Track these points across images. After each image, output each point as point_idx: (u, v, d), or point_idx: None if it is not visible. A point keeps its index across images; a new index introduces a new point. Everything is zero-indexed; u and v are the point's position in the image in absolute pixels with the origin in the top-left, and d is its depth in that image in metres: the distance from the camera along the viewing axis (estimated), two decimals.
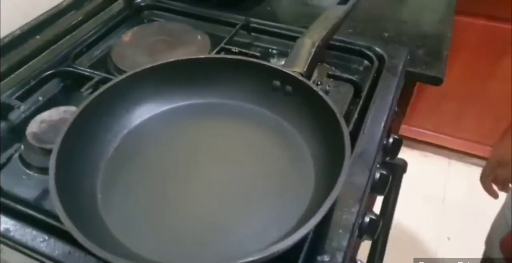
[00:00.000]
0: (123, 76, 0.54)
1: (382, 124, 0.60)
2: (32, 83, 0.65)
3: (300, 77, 0.55)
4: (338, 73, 0.67)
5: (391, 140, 0.67)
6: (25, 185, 0.55)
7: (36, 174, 0.56)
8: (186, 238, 0.46)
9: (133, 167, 0.52)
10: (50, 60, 0.69)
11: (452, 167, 1.57)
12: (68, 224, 0.39)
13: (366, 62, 0.72)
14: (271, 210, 0.48)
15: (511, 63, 1.24)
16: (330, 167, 0.50)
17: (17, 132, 0.61)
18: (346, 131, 0.47)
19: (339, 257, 0.47)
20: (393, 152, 0.69)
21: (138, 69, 0.55)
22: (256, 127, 0.57)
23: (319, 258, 0.47)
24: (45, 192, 0.54)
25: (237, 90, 0.58)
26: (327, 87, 0.67)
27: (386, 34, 0.81)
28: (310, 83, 0.54)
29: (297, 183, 0.50)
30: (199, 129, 0.57)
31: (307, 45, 0.59)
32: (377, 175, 0.62)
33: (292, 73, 0.55)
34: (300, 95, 0.55)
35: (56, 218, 0.47)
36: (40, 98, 0.66)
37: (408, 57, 0.73)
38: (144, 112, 0.57)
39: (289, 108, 0.56)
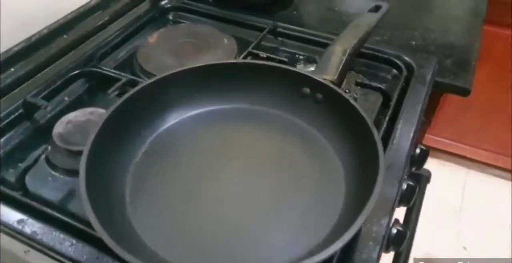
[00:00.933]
0: (152, 80, 0.54)
1: (411, 135, 0.59)
2: (58, 83, 0.65)
3: (332, 85, 0.54)
4: (367, 81, 0.66)
5: (418, 150, 0.66)
6: (51, 187, 0.55)
7: (61, 176, 0.56)
8: (214, 245, 0.46)
9: (161, 172, 0.52)
10: (76, 60, 0.69)
11: (470, 177, 1.54)
12: (99, 230, 0.39)
13: (394, 70, 0.71)
14: (300, 221, 0.48)
15: None
16: (361, 178, 0.49)
17: (43, 132, 0.61)
18: (379, 143, 0.46)
19: None
20: (420, 162, 0.68)
21: (166, 73, 0.54)
22: (284, 133, 0.57)
23: None
24: (70, 194, 0.54)
25: (265, 96, 0.58)
26: (355, 95, 0.66)
27: (413, 43, 0.80)
28: (342, 91, 0.53)
29: (327, 193, 0.50)
30: (226, 134, 0.57)
31: (338, 52, 0.58)
32: (404, 186, 0.61)
33: (323, 81, 0.54)
34: (331, 103, 0.54)
35: (83, 222, 0.48)
36: (66, 98, 0.66)
37: (437, 67, 0.71)
38: (172, 117, 0.56)
39: (318, 116, 0.56)
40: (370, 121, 0.49)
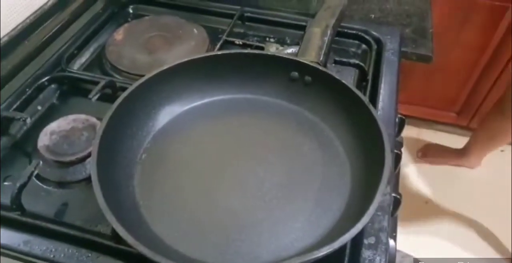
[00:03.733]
0: (141, 81, 0.52)
1: (394, 107, 0.63)
2: (28, 92, 0.61)
3: (319, 67, 0.55)
4: (344, 59, 0.68)
5: (397, 120, 0.70)
6: (46, 202, 0.52)
7: (54, 189, 0.54)
8: (226, 237, 0.46)
9: (167, 169, 0.52)
10: (43, 65, 0.65)
11: (422, 135, 1.65)
12: (129, 239, 0.39)
13: (363, 45, 0.73)
14: (311, 208, 0.49)
15: (473, 33, 1.31)
16: (364, 155, 0.51)
17: (23, 146, 0.58)
18: (379, 119, 0.48)
19: (384, 237, 0.49)
20: (399, 131, 0.72)
21: (155, 72, 0.53)
22: (279, 119, 0.57)
23: (365, 241, 0.48)
24: (67, 207, 0.52)
25: (254, 84, 0.58)
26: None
27: (373, 16, 0.83)
28: (331, 72, 0.55)
29: (333, 176, 0.51)
30: (222, 126, 0.57)
31: (317, 34, 0.59)
32: None
33: (310, 63, 0.55)
34: (320, 85, 0.56)
35: (90, 232, 0.48)
36: (39, 108, 0.62)
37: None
38: (165, 115, 0.55)
39: (309, 98, 0.57)
40: (365, 98, 0.51)
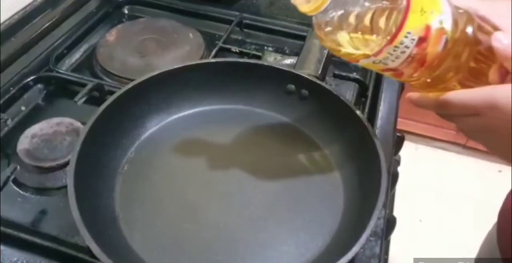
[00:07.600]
0: (129, 85, 0.50)
1: (393, 125, 0.60)
2: (12, 91, 0.59)
3: (317, 81, 0.53)
4: (344, 73, 0.65)
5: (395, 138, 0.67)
6: (21, 209, 0.49)
7: (32, 196, 0.51)
8: (204, 256, 0.44)
9: (150, 181, 0.49)
10: (29, 64, 0.62)
11: (419, 151, 1.62)
12: (98, 253, 0.36)
13: None
14: (301, 226, 0.46)
15: None
16: (360, 178, 0.49)
17: (2, 148, 0.55)
18: (378, 142, 0.46)
19: None
20: (397, 149, 0.69)
21: (145, 77, 0.51)
22: (271, 133, 0.55)
23: None
24: (44, 215, 0.49)
25: (249, 95, 0.56)
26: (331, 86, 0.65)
27: None
28: (329, 87, 0.52)
29: (324, 201, 0.49)
30: (211, 138, 0.54)
31: (317, 46, 0.57)
32: None
33: (308, 77, 0.53)
34: (317, 99, 0.54)
35: (65, 243, 0.45)
36: (23, 108, 0.59)
37: None
38: (152, 123, 0.53)
39: (305, 112, 0.55)
40: (363, 118, 0.48)
